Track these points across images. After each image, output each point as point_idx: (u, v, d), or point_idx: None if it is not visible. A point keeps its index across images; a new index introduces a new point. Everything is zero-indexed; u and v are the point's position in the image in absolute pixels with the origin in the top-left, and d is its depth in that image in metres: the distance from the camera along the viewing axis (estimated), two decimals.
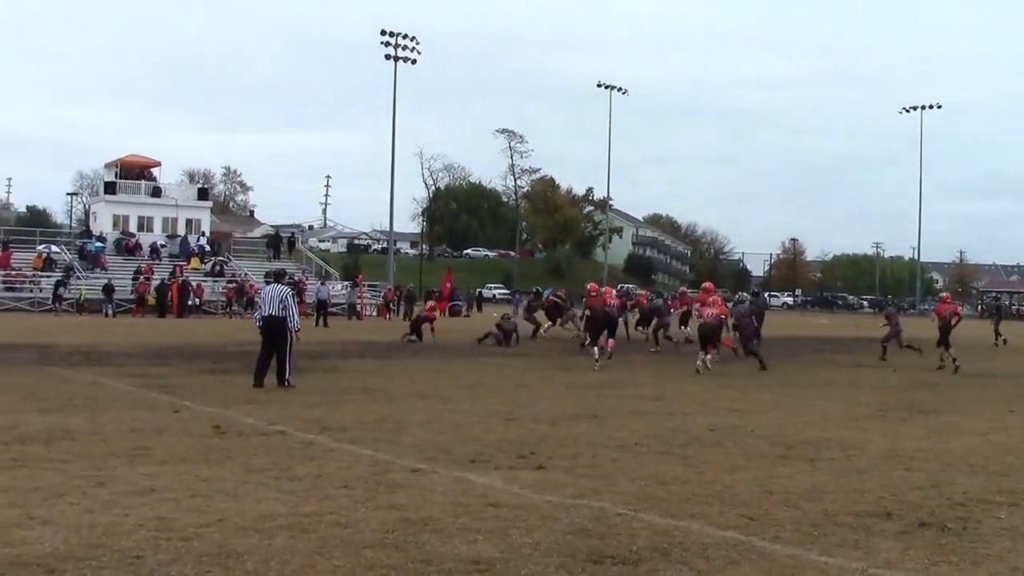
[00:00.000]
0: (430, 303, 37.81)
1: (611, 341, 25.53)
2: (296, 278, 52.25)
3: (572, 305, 38.73)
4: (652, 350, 30.56)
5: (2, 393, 15.86)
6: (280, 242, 70.05)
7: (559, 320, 36.09)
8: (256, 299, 28.89)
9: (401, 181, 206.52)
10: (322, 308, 46.29)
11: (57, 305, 51.36)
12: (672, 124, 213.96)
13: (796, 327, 54.43)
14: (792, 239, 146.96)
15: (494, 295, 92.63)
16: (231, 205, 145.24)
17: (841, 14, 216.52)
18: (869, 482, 9.91)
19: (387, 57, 72.82)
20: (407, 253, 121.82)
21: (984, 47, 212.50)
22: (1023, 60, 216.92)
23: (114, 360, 23.06)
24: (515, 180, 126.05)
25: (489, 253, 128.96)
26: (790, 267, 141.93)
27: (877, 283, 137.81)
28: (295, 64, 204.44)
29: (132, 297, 53.17)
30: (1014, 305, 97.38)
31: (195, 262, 61.34)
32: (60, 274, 55.01)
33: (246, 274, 60.43)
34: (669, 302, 37.32)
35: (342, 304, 55.87)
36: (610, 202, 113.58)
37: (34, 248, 60.67)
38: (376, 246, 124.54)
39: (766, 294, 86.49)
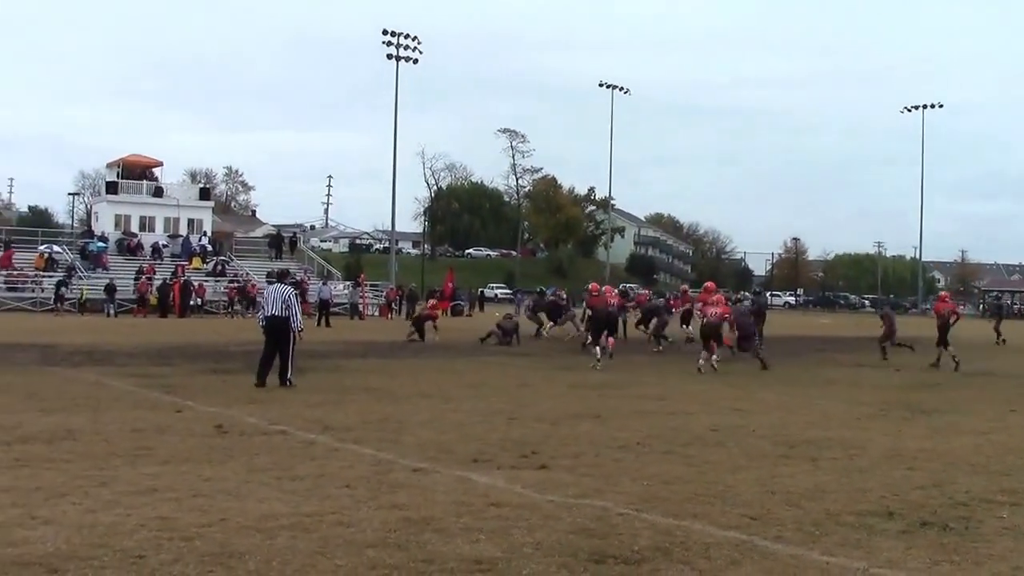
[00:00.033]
0: (431, 301, 37.79)
1: (611, 340, 25.54)
2: (298, 278, 52.24)
3: (572, 305, 38.74)
4: (655, 350, 30.54)
5: (4, 393, 15.87)
6: (282, 242, 70.06)
7: (559, 320, 36.07)
8: (259, 299, 28.87)
9: (403, 181, 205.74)
10: (324, 308, 46.29)
11: (59, 305, 51.38)
12: (673, 124, 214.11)
13: (798, 327, 54.45)
14: (794, 238, 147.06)
15: (496, 295, 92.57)
16: (233, 205, 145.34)
17: (841, 14, 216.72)
18: (871, 481, 9.90)
19: (389, 57, 72.83)
20: (409, 253, 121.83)
21: (985, 47, 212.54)
22: None
23: (116, 360, 23.07)
24: (517, 180, 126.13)
25: (491, 253, 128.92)
26: (792, 266, 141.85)
27: (879, 283, 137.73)
28: (297, 64, 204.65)
29: (134, 297, 53.14)
30: (1016, 305, 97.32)
31: (197, 262, 61.33)
32: (62, 274, 55.04)
33: (248, 274, 60.45)
34: (671, 301, 37.36)
35: (344, 304, 55.90)
36: (612, 202, 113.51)
37: (36, 248, 60.66)
38: (378, 246, 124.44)
39: (768, 294, 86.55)
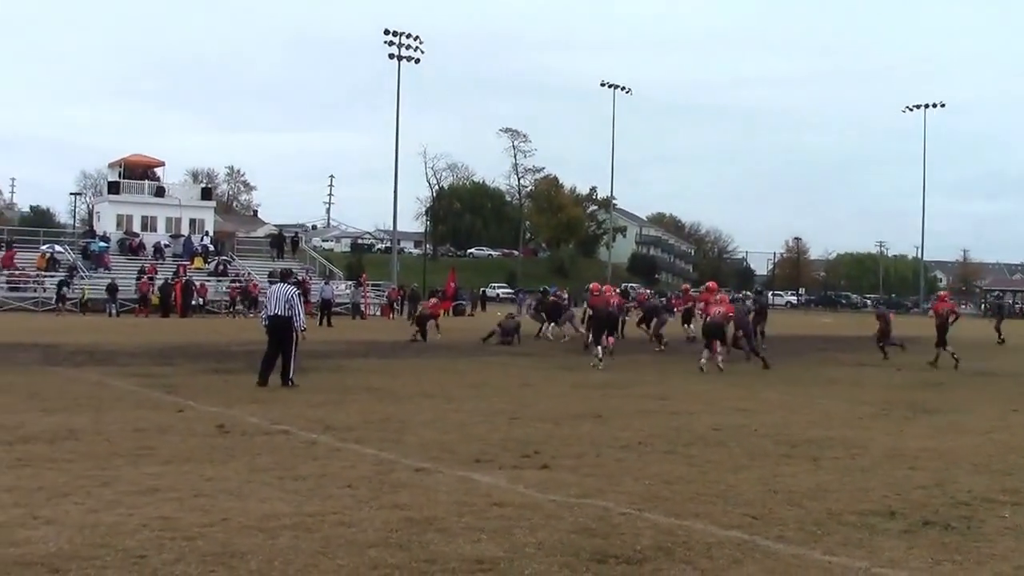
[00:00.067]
0: (432, 299, 37.76)
1: (611, 339, 25.56)
2: (299, 278, 52.28)
3: (572, 305, 38.74)
4: (657, 350, 30.55)
5: (6, 393, 15.88)
6: (284, 242, 70.06)
7: (558, 320, 36.03)
8: (261, 299, 28.90)
9: (405, 180, 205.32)
10: (326, 308, 46.29)
11: (61, 305, 51.42)
12: (675, 123, 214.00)
13: (800, 326, 54.46)
14: (796, 238, 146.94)
15: (498, 294, 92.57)
16: (235, 205, 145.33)
17: (843, 13, 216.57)
18: (873, 481, 9.90)
19: (391, 56, 72.90)
20: (411, 252, 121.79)
21: (986, 46, 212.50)
22: None
23: (118, 360, 23.08)
24: (519, 179, 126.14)
25: (493, 252, 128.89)
26: (794, 266, 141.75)
27: (881, 282, 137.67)
28: (298, 64, 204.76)
29: (135, 297, 53.14)
30: (1017, 304, 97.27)
31: (199, 262, 61.36)
32: (64, 274, 55.08)
33: (249, 274, 60.46)
34: (673, 300, 37.38)
35: (346, 304, 55.91)
36: (613, 201, 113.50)
37: (38, 248, 60.75)
38: (380, 245, 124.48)
39: (770, 293, 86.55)
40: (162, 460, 10.18)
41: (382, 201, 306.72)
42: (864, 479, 10.01)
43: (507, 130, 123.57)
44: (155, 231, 65.01)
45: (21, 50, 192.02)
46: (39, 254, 58.67)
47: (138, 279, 54.88)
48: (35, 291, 54.78)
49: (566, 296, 40.39)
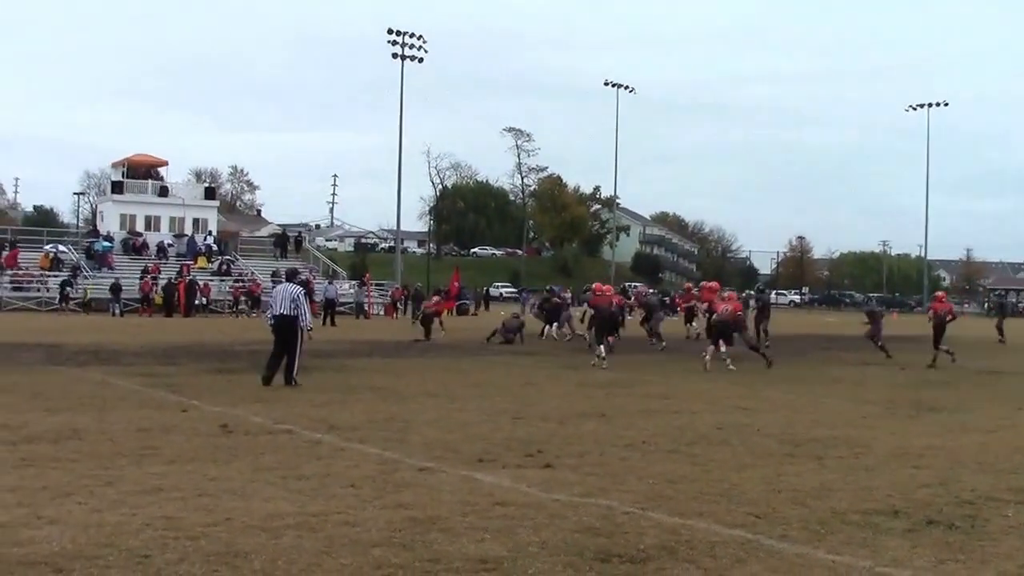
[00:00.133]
0: (435, 298, 37.77)
1: (611, 338, 25.60)
2: (303, 277, 52.24)
3: (572, 305, 38.76)
4: (657, 347, 30.55)
5: (10, 392, 15.88)
6: (287, 241, 70.13)
7: (558, 320, 36.01)
8: (264, 298, 28.90)
9: (408, 180, 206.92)
10: (330, 307, 46.32)
11: (64, 305, 51.46)
12: (678, 122, 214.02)
13: (803, 325, 54.43)
14: (799, 237, 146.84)
15: (501, 294, 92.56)
16: (238, 204, 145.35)
17: (845, 12, 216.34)
18: (877, 480, 9.89)
19: (394, 56, 72.90)
20: (414, 252, 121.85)
21: (990, 45, 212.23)
22: None
23: (121, 359, 23.10)
24: (522, 179, 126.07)
25: (496, 252, 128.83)
26: (797, 265, 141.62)
27: (884, 281, 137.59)
28: (302, 63, 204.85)
29: (139, 296, 53.16)
30: (1020, 303, 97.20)
31: (202, 261, 61.44)
32: (67, 274, 55.13)
33: (253, 273, 60.48)
34: (676, 299, 37.41)
35: (350, 303, 55.93)
36: (617, 200, 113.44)
37: (41, 248, 60.82)
38: (383, 245, 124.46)
39: (773, 292, 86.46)
40: (166, 460, 10.19)
41: (386, 200, 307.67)
42: (868, 478, 10.01)
43: (510, 129, 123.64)
44: (159, 231, 65.06)
45: (24, 50, 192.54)
46: (43, 254, 58.77)
47: (141, 279, 54.90)
48: (39, 291, 54.85)
49: (569, 296, 40.39)
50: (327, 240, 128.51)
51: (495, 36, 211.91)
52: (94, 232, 65.61)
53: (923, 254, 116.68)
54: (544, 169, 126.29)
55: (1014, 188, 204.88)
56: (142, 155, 69.69)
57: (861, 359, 28.09)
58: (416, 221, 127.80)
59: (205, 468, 9.76)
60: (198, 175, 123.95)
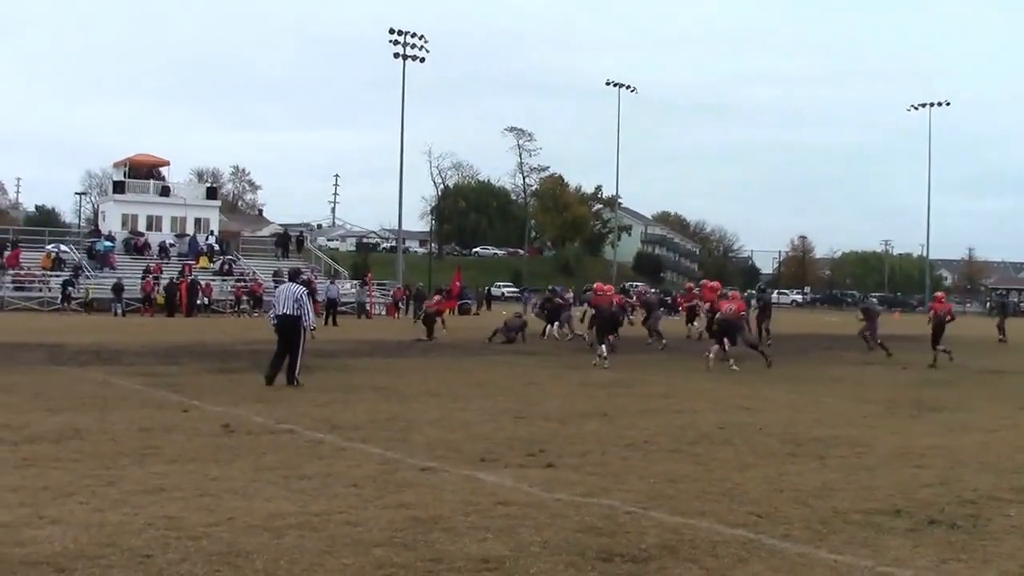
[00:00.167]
0: (436, 297, 37.79)
1: (611, 337, 25.63)
2: (306, 277, 52.26)
3: (573, 304, 38.77)
4: (656, 345, 30.57)
5: (12, 392, 15.89)
6: (289, 241, 70.13)
7: (559, 320, 36.04)
8: (267, 298, 28.89)
9: (410, 179, 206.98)
10: (332, 307, 46.32)
11: (66, 304, 51.49)
12: (678, 122, 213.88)
13: (805, 325, 54.40)
14: (801, 237, 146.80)
15: (503, 293, 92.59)
16: (240, 204, 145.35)
17: (845, 12, 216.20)
18: (878, 479, 9.89)
19: (396, 56, 72.89)
20: (416, 252, 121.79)
21: (990, 45, 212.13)
22: None
23: (123, 359, 23.11)
24: (524, 178, 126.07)
25: (498, 251, 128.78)
26: (799, 265, 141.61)
27: (886, 280, 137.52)
28: (303, 62, 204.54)
29: (140, 296, 53.17)
30: (1022, 303, 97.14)
31: (204, 261, 61.42)
32: (69, 273, 55.15)
33: (255, 273, 60.49)
34: (677, 299, 37.42)
35: (351, 303, 55.92)
36: (619, 200, 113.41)
37: (43, 248, 60.81)
38: (385, 245, 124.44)
39: (775, 292, 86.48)
40: (167, 459, 10.19)
41: (387, 200, 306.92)
42: (870, 478, 10.00)
43: (512, 129, 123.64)
44: (160, 230, 65.03)
45: (25, 49, 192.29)
46: (44, 254, 58.76)
47: (143, 279, 54.91)
48: (40, 291, 54.86)
49: (571, 296, 40.41)
50: (329, 240, 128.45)
51: (496, 36, 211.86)
52: (96, 232, 65.62)
53: (925, 253, 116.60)
54: (546, 169, 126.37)
55: (1015, 188, 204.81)
56: (144, 155, 69.69)
57: (863, 359, 28.09)
58: (418, 221, 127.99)
59: (207, 468, 9.76)
60: (200, 175, 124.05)
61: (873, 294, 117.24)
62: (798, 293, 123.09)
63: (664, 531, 7.60)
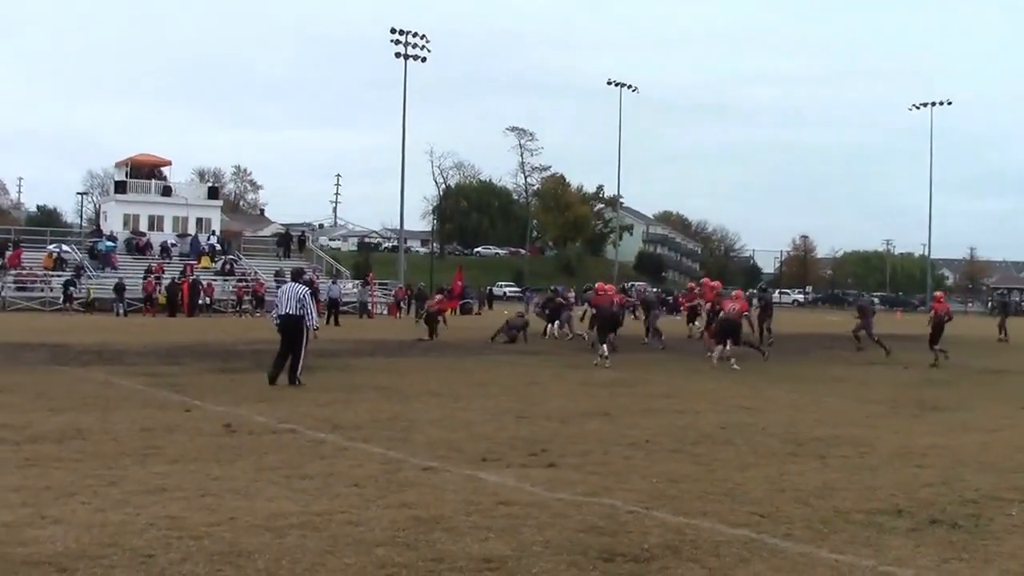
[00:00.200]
0: (438, 296, 37.80)
1: (612, 334, 25.67)
2: (307, 277, 52.24)
3: (577, 304, 38.79)
4: (655, 345, 30.56)
5: (14, 392, 15.89)
6: (291, 241, 70.10)
7: (559, 319, 36.04)
8: (270, 298, 28.89)
9: (411, 179, 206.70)
10: (333, 307, 46.32)
11: (68, 304, 51.51)
12: (679, 122, 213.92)
13: (807, 324, 54.37)
14: (802, 236, 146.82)
15: (505, 293, 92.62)
16: (241, 204, 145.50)
17: (845, 12, 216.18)
18: (880, 479, 9.89)
19: (397, 55, 72.87)
20: (418, 251, 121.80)
21: (990, 45, 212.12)
22: None
23: (125, 359, 23.10)
24: (525, 178, 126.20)
25: (500, 251, 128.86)
26: (801, 264, 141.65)
27: (888, 280, 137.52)
28: (305, 62, 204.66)
29: (142, 296, 53.15)
30: (1023, 302, 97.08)
31: (205, 261, 61.42)
32: (70, 273, 55.15)
33: (256, 273, 60.49)
34: (679, 299, 37.40)
35: (353, 303, 55.92)
36: (620, 200, 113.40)
37: (45, 248, 60.80)
38: (386, 244, 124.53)
39: (777, 291, 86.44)
40: (169, 459, 10.19)
41: (389, 200, 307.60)
42: (871, 477, 10.01)
43: (513, 128, 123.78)
44: (162, 230, 65.03)
45: (26, 49, 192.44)
46: (46, 254, 58.74)
47: (145, 278, 54.90)
48: (42, 291, 54.86)
49: (572, 296, 40.44)
50: (330, 239, 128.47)
51: (496, 36, 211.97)
52: (97, 232, 65.61)
53: (927, 253, 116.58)
54: (547, 168, 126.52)
55: (1015, 189, 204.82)
56: (145, 155, 69.70)
57: (864, 358, 28.08)
58: (419, 220, 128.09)
59: (209, 468, 9.76)
60: (201, 175, 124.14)
61: (875, 294, 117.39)
62: (800, 292, 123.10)
63: (666, 531, 7.60)
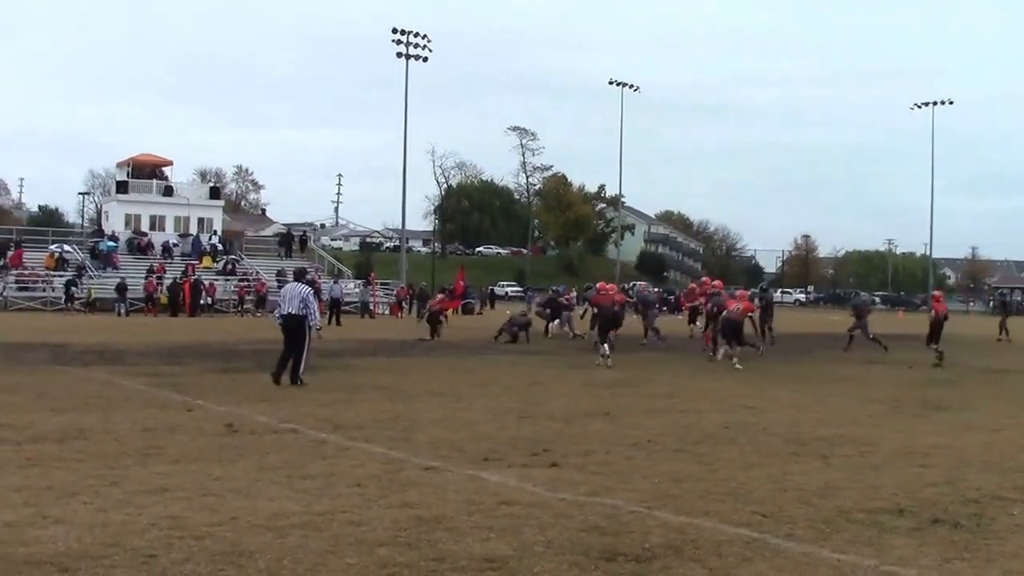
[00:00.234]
0: (439, 295, 37.82)
1: (612, 332, 25.72)
2: (310, 277, 52.22)
3: (578, 304, 38.81)
4: (663, 346, 30.55)
5: (15, 392, 15.89)
6: (292, 240, 70.08)
7: (560, 319, 36.07)
8: (272, 297, 28.89)
9: (413, 179, 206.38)
10: (335, 307, 46.33)
11: (69, 304, 51.52)
12: (679, 122, 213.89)
13: (808, 324, 54.35)
14: (804, 236, 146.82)
15: (506, 292, 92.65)
16: (243, 204, 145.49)
17: (846, 13, 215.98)
18: (883, 479, 9.88)
19: (398, 55, 72.83)
20: (419, 251, 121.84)
21: (991, 45, 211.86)
22: None
23: (127, 359, 23.10)
24: (527, 177, 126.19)
25: (501, 251, 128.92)
26: (802, 264, 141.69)
27: (889, 279, 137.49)
28: (306, 62, 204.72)
29: (143, 296, 53.16)
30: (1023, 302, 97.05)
31: (207, 261, 61.42)
32: (72, 273, 55.16)
33: (258, 273, 60.50)
34: (680, 298, 37.39)
35: (355, 303, 55.92)
36: (622, 199, 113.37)
37: (46, 248, 60.80)
38: (388, 244, 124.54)
39: (778, 291, 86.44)
40: (171, 459, 10.19)
41: (390, 199, 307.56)
42: (874, 477, 10.00)
43: (515, 128, 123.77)
44: (163, 230, 65.02)
45: (26, 49, 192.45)
46: (48, 254, 58.75)
47: (146, 278, 54.91)
48: (44, 291, 54.86)
49: (574, 296, 40.47)
50: (332, 239, 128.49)
51: (497, 36, 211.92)
52: (99, 232, 65.60)
53: (928, 252, 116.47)
54: (549, 168, 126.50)
55: (1016, 188, 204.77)
56: (147, 155, 69.71)
57: (867, 358, 28.06)
58: (421, 220, 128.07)
59: (210, 468, 9.76)
60: (203, 175, 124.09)
61: (877, 293, 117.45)
62: (801, 292, 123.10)
63: (668, 531, 7.59)
